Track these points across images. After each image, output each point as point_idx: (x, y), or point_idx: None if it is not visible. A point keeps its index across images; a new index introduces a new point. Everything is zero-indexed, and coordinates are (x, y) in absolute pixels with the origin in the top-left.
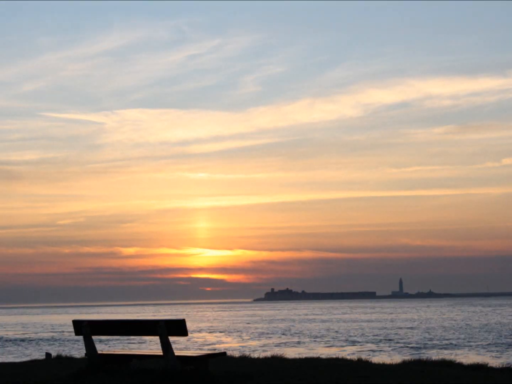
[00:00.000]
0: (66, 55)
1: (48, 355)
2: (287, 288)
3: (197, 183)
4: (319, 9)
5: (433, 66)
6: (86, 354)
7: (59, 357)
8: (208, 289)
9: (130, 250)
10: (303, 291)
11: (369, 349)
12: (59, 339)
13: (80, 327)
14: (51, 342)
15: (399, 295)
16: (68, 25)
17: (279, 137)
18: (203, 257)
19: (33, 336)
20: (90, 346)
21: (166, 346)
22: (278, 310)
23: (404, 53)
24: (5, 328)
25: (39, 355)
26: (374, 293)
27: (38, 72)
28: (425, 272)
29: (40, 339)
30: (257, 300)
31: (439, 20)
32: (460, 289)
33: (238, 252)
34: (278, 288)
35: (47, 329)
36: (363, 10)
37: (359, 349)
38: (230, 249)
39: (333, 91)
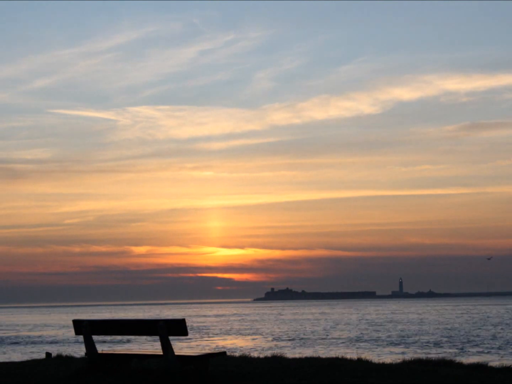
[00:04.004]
0: (76, 51)
1: (48, 355)
2: (287, 288)
3: (208, 181)
4: (334, 4)
5: (452, 62)
6: (86, 354)
7: (59, 357)
8: (219, 288)
9: (141, 249)
10: (303, 291)
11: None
12: (60, 339)
13: (80, 326)
14: (51, 342)
15: (399, 295)
16: (78, 21)
17: (292, 135)
18: (215, 256)
19: (34, 335)
20: (90, 345)
21: (166, 346)
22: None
23: (422, 49)
24: (7, 327)
25: (39, 355)
26: (374, 292)
27: (48, 69)
28: (426, 272)
29: (41, 339)
30: (257, 300)
31: (458, 16)
32: (460, 289)
33: (250, 251)
34: (280, 287)
35: (51, 329)
36: (379, 5)
37: None
38: (242, 247)
39: (349, 87)
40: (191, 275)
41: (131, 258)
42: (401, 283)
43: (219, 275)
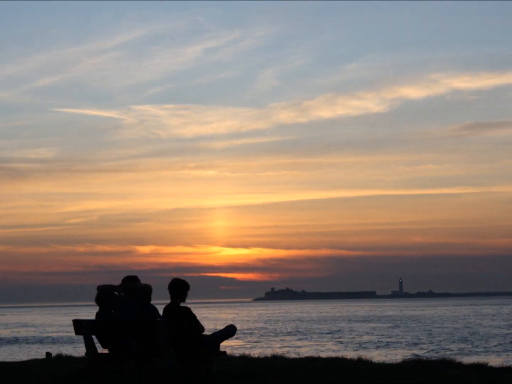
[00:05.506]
0: (80, 50)
1: (48, 355)
2: (287, 288)
3: (211, 180)
4: (340, 2)
5: (460, 61)
6: (86, 354)
7: (59, 357)
8: (224, 287)
9: (146, 249)
10: (303, 291)
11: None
12: (60, 339)
13: (80, 326)
14: (51, 342)
15: (399, 295)
16: (83, 19)
17: (298, 134)
18: (219, 255)
19: (34, 335)
20: (90, 346)
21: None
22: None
23: (429, 47)
24: (8, 327)
25: (39, 355)
26: (374, 292)
27: (52, 67)
28: (426, 272)
29: (41, 339)
30: (257, 299)
31: (465, 14)
32: (460, 289)
33: (255, 251)
34: (282, 287)
35: (51, 329)
36: (386, 3)
37: None
38: (247, 247)
39: (355, 86)
40: (195, 274)
41: (135, 257)
42: (401, 283)
43: (223, 274)
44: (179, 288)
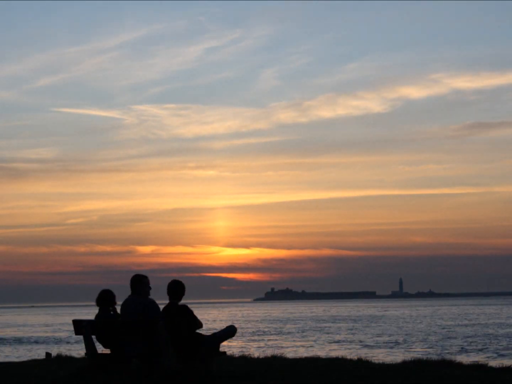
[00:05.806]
0: (81, 49)
1: (48, 355)
2: (287, 288)
3: (212, 181)
4: (340, 1)
5: (461, 60)
6: (86, 354)
7: (59, 357)
8: (224, 288)
9: (147, 249)
10: (303, 291)
11: None
12: (60, 339)
13: (80, 326)
14: (51, 342)
15: (399, 295)
16: (83, 19)
17: (298, 134)
18: (220, 255)
19: (34, 335)
20: (90, 346)
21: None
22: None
23: (430, 47)
24: (8, 327)
25: (39, 355)
26: (374, 292)
27: (53, 67)
28: (426, 272)
29: (41, 339)
30: (257, 300)
31: (467, 14)
32: (460, 289)
33: (255, 251)
34: (282, 287)
35: (51, 329)
36: (387, 2)
37: None
38: (247, 247)
39: (356, 86)
40: (195, 274)
41: (135, 257)
42: (401, 283)
43: (224, 274)
44: (178, 289)
